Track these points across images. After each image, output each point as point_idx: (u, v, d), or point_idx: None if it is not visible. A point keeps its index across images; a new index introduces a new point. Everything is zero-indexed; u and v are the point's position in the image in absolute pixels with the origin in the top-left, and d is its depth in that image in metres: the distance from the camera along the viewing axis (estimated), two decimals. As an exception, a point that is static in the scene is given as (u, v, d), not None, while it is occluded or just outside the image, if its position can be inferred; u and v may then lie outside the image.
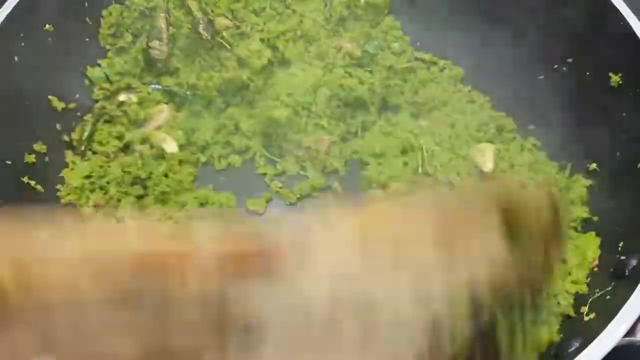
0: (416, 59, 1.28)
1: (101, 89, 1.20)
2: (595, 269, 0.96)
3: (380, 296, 0.51)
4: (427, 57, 1.29)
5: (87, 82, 1.21)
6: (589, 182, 1.07)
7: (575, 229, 1.03)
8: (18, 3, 1.04)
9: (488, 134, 1.17)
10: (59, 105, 1.13)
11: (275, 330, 0.48)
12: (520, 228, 0.57)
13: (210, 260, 0.46)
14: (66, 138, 1.13)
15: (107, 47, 1.23)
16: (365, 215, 0.55)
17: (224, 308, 0.46)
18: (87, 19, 1.20)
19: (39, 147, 1.08)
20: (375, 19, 1.31)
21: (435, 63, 1.29)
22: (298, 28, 1.25)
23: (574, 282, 0.96)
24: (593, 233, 0.99)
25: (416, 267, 0.53)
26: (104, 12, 1.23)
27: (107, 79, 1.21)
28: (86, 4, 1.19)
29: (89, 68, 1.21)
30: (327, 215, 0.55)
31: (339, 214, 0.54)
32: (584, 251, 0.97)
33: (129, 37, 1.24)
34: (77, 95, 1.18)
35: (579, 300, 0.93)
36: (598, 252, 0.97)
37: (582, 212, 1.04)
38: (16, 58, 1.05)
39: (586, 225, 1.03)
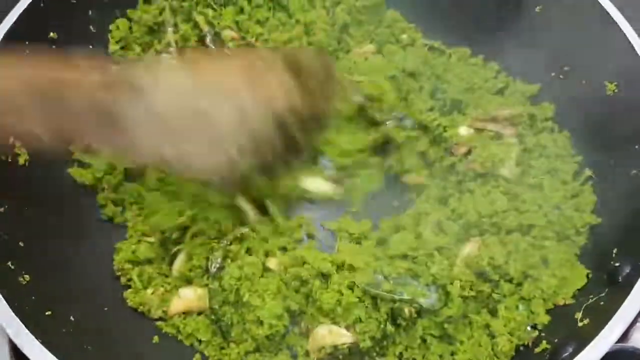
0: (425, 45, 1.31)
1: None
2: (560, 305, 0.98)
3: (211, 108, 0.84)
4: (435, 44, 1.32)
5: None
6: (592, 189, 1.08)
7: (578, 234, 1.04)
8: (24, 11, 1.06)
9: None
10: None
11: (141, 123, 0.82)
12: (303, 72, 0.92)
13: (97, 85, 0.81)
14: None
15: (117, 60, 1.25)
16: (200, 63, 0.91)
17: (103, 108, 0.81)
18: (91, 27, 1.21)
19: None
20: (376, 18, 1.33)
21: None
22: (304, 37, 1.27)
23: (532, 312, 0.98)
24: (582, 266, 1.00)
25: (233, 94, 0.86)
26: (112, 27, 1.25)
27: None
28: (90, 12, 1.20)
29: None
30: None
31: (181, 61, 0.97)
32: (570, 282, 0.98)
33: (137, 49, 1.25)
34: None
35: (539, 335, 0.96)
36: (583, 282, 0.98)
37: (591, 219, 1.04)
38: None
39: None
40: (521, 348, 0.95)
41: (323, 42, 1.26)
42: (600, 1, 1.09)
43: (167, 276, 1.06)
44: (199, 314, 1.02)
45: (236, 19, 1.25)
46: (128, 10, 1.26)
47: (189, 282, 1.05)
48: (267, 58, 0.94)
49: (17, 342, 0.79)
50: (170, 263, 1.07)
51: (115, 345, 0.95)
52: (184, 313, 1.02)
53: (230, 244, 1.05)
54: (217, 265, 1.03)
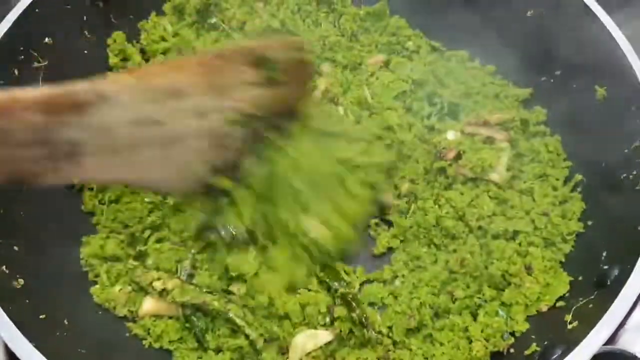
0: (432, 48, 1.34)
1: None
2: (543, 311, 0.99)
3: (165, 117, 0.79)
4: (437, 44, 1.34)
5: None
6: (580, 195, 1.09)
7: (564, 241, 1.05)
8: (18, 17, 1.07)
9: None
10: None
11: (93, 147, 0.75)
12: (271, 66, 0.88)
13: (34, 107, 0.69)
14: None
15: (118, 71, 1.26)
16: (150, 69, 0.88)
17: (49, 137, 0.71)
18: (86, 32, 1.21)
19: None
20: (381, 24, 1.36)
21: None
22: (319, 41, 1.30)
23: (512, 319, 0.99)
24: (565, 273, 1.01)
25: (194, 99, 0.81)
26: (109, 41, 1.26)
27: None
28: (85, 18, 1.20)
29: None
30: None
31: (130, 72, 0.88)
32: (553, 289, 0.99)
33: (137, 59, 1.27)
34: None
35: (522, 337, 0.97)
36: (566, 289, 0.99)
37: (577, 227, 1.05)
38: (16, 71, 1.07)
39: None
40: (511, 350, 0.96)
41: (341, 59, 1.29)
42: (591, 7, 1.10)
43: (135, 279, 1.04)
44: (170, 317, 1.02)
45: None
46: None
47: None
48: (228, 54, 0.87)
49: (11, 346, 0.79)
50: (136, 259, 1.06)
51: (109, 350, 0.96)
52: (154, 315, 1.02)
53: (199, 252, 1.05)
54: (187, 272, 1.03)
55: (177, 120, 0.81)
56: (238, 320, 0.97)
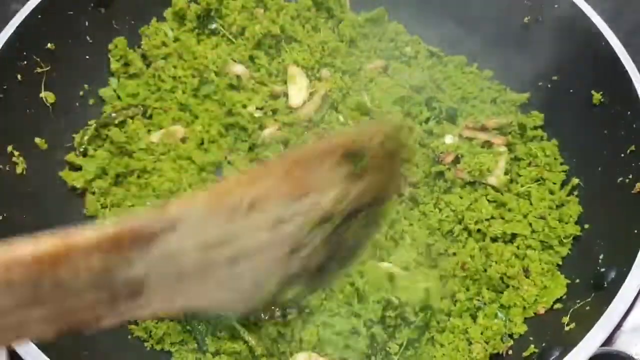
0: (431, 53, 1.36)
1: (113, 107, 1.24)
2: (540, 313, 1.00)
3: (238, 233, 0.66)
4: (435, 49, 1.36)
5: (96, 100, 1.25)
6: (577, 199, 1.10)
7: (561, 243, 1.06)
8: (22, 22, 1.08)
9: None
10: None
11: (157, 280, 0.62)
12: (364, 160, 0.72)
13: (93, 251, 0.57)
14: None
15: (120, 76, 1.28)
16: (221, 185, 0.69)
17: (111, 280, 0.59)
18: (88, 37, 1.23)
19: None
20: (380, 30, 1.37)
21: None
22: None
23: (511, 321, 0.99)
24: (562, 276, 1.02)
25: (273, 210, 0.67)
26: (110, 46, 1.27)
27: (118, 97, 1.26)
28: (87, 23, 1.22)
29: (101, 88, 1.26)
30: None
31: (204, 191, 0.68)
32: (550, 291, 1.00)
33: (139, 64, 1.28)
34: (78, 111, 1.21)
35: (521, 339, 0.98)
36: (563, 291, 1.00)
37: (574, 230, 1.06)
38: (19, 77, 1.08)
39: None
40: (510, 352, 0.97)
41: (341, 65, 1.30)
42: (587, 13, 1.12)
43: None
44: (171, 320, 1.02)
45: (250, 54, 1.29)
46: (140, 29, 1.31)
47: None
48: (317, 154, 0.73)
49: (16, 347, 0.80)
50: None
51: (110, 352, 0.97)
52: (156, 318, 1.02)
53: None
54: None
55: (251, 233, 0.69)
56: (238, 326, 0.98)
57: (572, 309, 0.93)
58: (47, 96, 1.13)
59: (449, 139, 1.15)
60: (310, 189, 0.70)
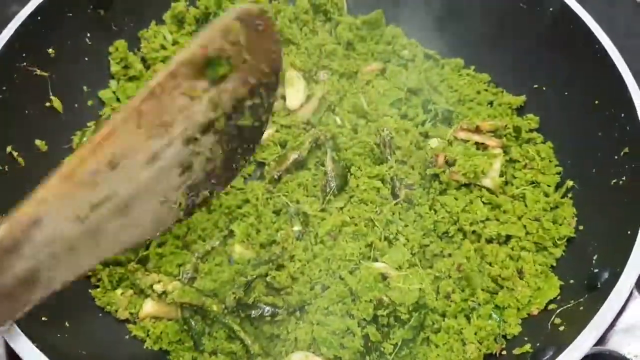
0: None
1: (112, 109, 1.25)
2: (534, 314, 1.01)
3: (112, 190, 0.74)
4: (431, 52, 1.37)
5: (95, 101, 1.26)
6: (572, 201, 1.11)
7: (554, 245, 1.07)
8: (21, 25, 1.08)
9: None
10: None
11: (49, 261, 0.72)
12: (223, 62, 0.77)
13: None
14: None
15: (120, 78, 1.29)
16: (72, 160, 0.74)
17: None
18: (88, 40, 1.23)
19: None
20: (377, 33, 1.38)
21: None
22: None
23: (505, 322, 1.00)
24: (556, 277, 1.03)
25: (137, 157, 0.75)
26: (110, 49, 1.28)
27: (117, 99, 1.27)
28: (86, 25, 1.23)
29: (100, 90, 1.27)
30: None
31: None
32: (544, 293, 1.01)
33: (139, 67, 1.29)
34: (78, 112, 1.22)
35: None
36: (557, 292, 1.00)
37: (567, 231, 1.07)
38: (18, 80, 1.08)
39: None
40: (504, 352, 0.98)
41: (338, 68, 1.32)
42: (581, 16, 1.12)
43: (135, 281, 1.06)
44: (169, 319, 1.03)
45: None
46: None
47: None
48: (162, 84, 0.74)
49: (14, 346, 0.80)
50: (138, 263, 1.07)
51: (108, 351, 0.97)
52: (154, 318, 1.04)
53: (202, 257, 1.08)
54: (188, 276, 1.05)
55: (127, 181, 0.75)
56: (235, 326, 0.99)
57: (565, 310, 0.94)
58: (47, 97, 1.14)
59: (434, 143, 1.18)
60: (172, 116, 0.75)
